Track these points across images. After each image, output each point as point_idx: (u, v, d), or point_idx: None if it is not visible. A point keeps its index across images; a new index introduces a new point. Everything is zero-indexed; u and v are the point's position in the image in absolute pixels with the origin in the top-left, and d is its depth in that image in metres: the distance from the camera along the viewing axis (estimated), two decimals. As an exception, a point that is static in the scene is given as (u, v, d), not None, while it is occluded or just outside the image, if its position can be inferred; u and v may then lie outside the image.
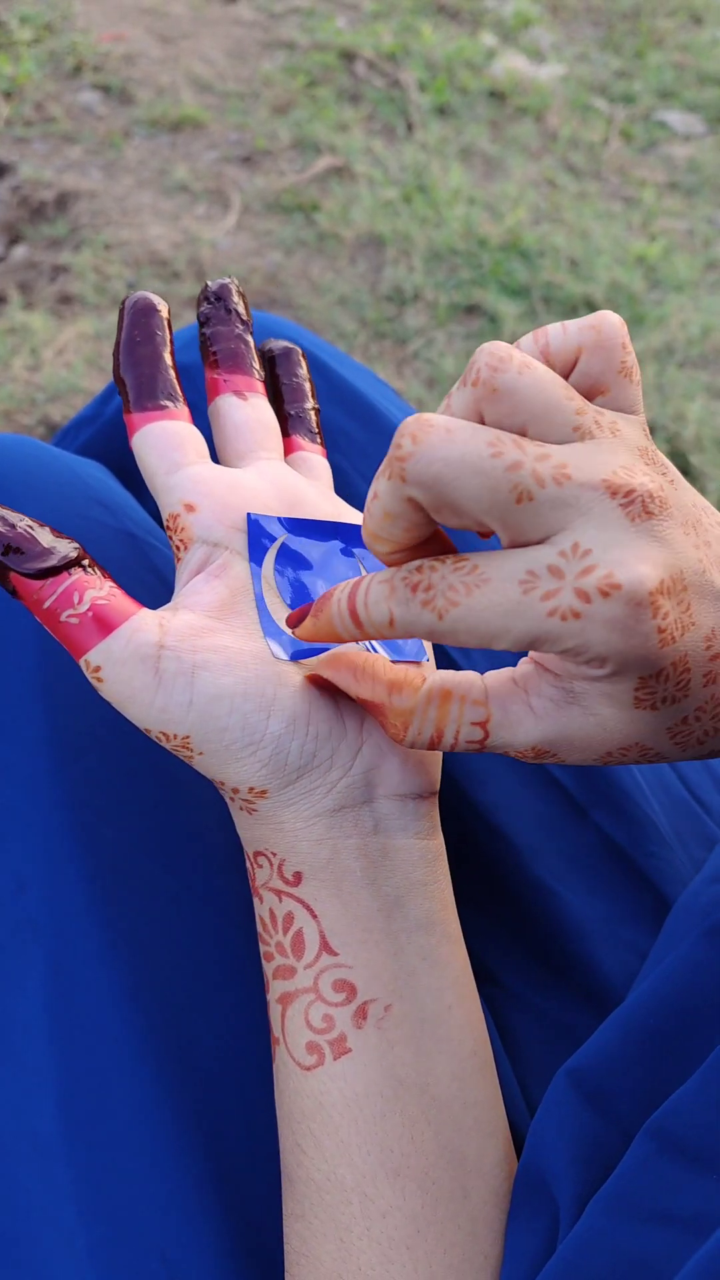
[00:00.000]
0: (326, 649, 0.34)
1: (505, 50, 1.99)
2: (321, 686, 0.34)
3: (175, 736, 0.32)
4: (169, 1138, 0.35)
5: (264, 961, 0.33)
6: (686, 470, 1.33)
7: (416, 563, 0.28)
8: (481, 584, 0.27)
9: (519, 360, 0.27)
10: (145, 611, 0.32)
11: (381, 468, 0.28)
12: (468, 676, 0.31)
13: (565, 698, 0.29)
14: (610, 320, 0.29)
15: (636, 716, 0.29)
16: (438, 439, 0.26)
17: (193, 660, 0.31)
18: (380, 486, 0.28)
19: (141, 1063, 0.36)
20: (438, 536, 0.30)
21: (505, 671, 0.31)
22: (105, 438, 0.57)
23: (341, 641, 0.31)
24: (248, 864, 0.34)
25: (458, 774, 0.46)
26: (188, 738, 0.32)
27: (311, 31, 1.91)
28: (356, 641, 0.32)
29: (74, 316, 1.37)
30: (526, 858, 0.45)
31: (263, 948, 0.33)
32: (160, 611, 0.33)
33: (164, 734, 0.32)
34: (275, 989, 0.33)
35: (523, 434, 0.28)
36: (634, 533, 0.27)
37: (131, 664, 0.31)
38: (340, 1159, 0.31)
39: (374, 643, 0.36)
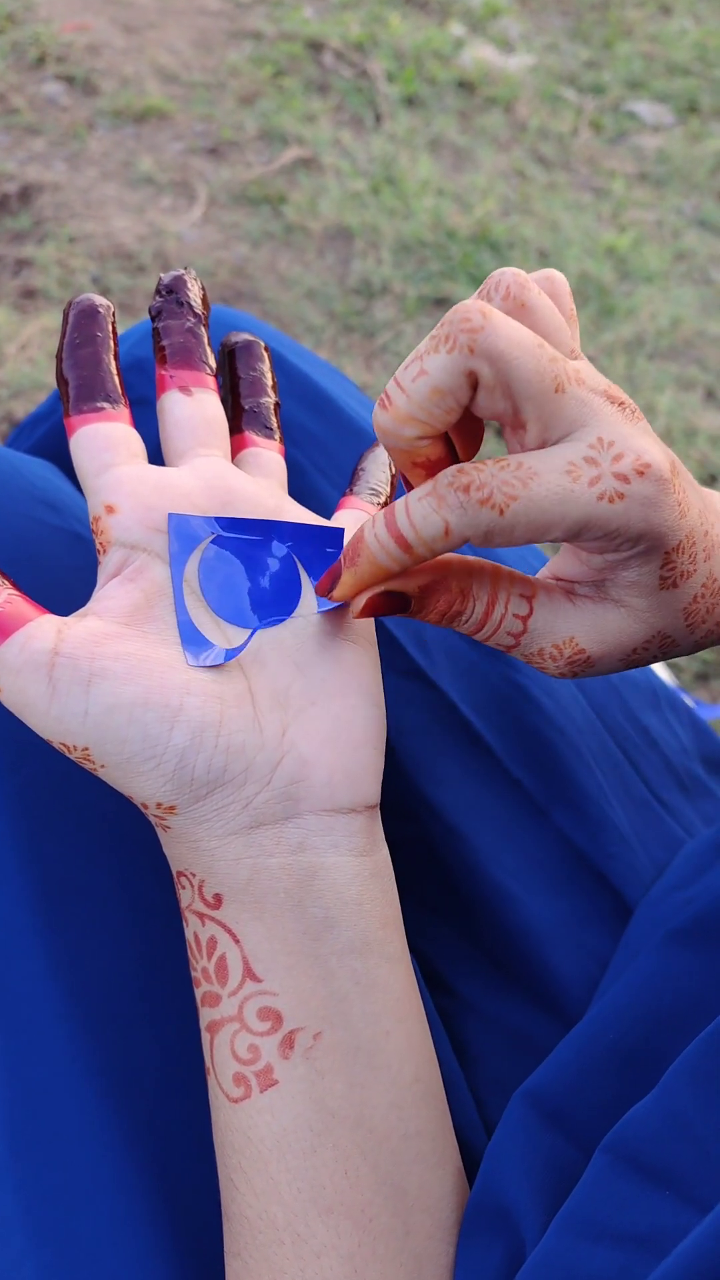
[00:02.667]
0: (243, 648, 0.33)
1: (474, 40, 1.98)
2: (234, 701, 0.32)
3: (76, 748, 0.31)
4: (117, 1159, 0.34)
5: (194, 987, 0.32)
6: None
7: (454, 468, 0.29)
8: (533, 477, 0.29)
9: (535, 285, 0.31)
10: (45, 618, 0.31)
11: (432, 345, 0.29)
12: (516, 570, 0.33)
13: (598, 594, 0.33)
14: (559, 275, 0.33)
15: (660, 600, 0.32)
16: (503, 319, 0.28)
17: (90, 668, 0.30)
18: (434, 362, 0.29)
19: (88, 1083, 0.35)
20: (446, 440, 0.31)
21: (543, 569, 0.34)
22: (59, 435, 0.56)
23: (385, 580, 0.31)
24: (175, 885, 0.33)
25: (414, 773, 0.45)
26: (87, 749, 0.30)
27: (278, 21, 1.89)
28: (401, 568, 0.31)
29: (37, 311, 1.35)
30: (484, 859, 0.44)
31: (192, 973, 0.32)
32: (66, 618, 0.32)
33: (64, 745, 0.31)
34: (204, 1016, 0.32)
35: None
36: (638, 429, 0.31)
37: (25, 671, 0.30)
38: (271, 1196, 0.30)
39: None
